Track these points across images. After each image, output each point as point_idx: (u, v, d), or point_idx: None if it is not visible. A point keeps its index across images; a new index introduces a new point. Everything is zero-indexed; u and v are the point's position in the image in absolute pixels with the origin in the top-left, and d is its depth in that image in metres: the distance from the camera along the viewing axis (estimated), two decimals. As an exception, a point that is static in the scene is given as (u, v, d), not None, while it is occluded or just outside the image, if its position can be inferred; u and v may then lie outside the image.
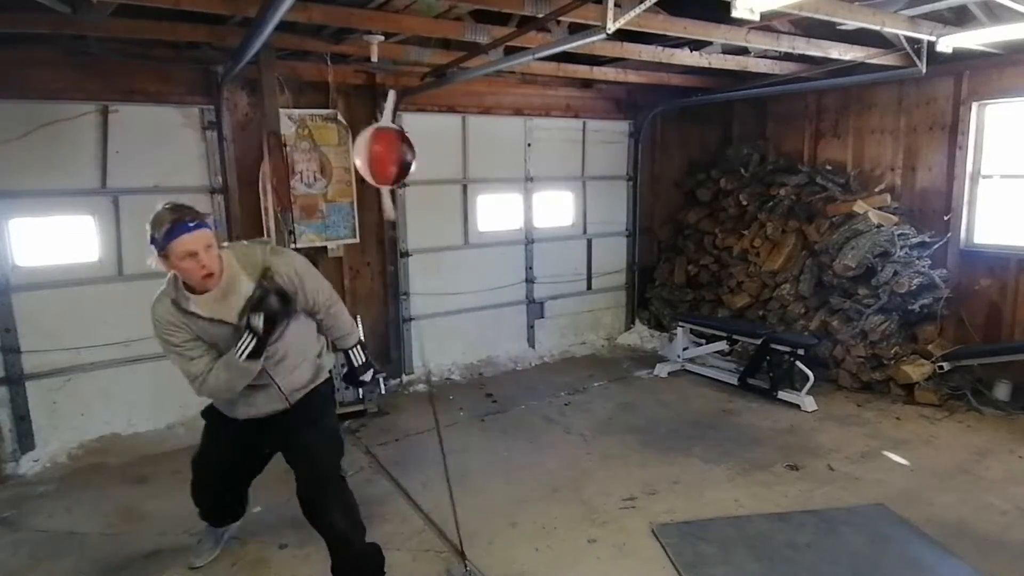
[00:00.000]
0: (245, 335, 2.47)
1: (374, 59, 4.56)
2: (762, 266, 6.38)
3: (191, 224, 2.35)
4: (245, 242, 2.74)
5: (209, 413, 3.00)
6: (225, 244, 2.63)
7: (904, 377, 5.28)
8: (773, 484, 4.01)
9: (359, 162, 4.23)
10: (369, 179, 4.28)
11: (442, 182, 6.17)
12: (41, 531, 3.65)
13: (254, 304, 2.46)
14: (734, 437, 4.74)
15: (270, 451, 3.05)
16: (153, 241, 2.37)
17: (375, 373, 3.24)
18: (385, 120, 4.29)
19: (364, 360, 3.10)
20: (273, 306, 2.46)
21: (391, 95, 4.33)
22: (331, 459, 2.89)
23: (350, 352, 3.05)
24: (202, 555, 3.31)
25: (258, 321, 2.43)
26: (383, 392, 5.54)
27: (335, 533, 2.81)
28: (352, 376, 3.13)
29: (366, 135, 4.22)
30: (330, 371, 3.03)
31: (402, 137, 4.30)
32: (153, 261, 2.42)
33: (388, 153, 4.19)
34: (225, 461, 3.03)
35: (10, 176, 4.36)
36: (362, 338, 3.19)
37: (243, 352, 2.46)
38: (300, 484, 2.80)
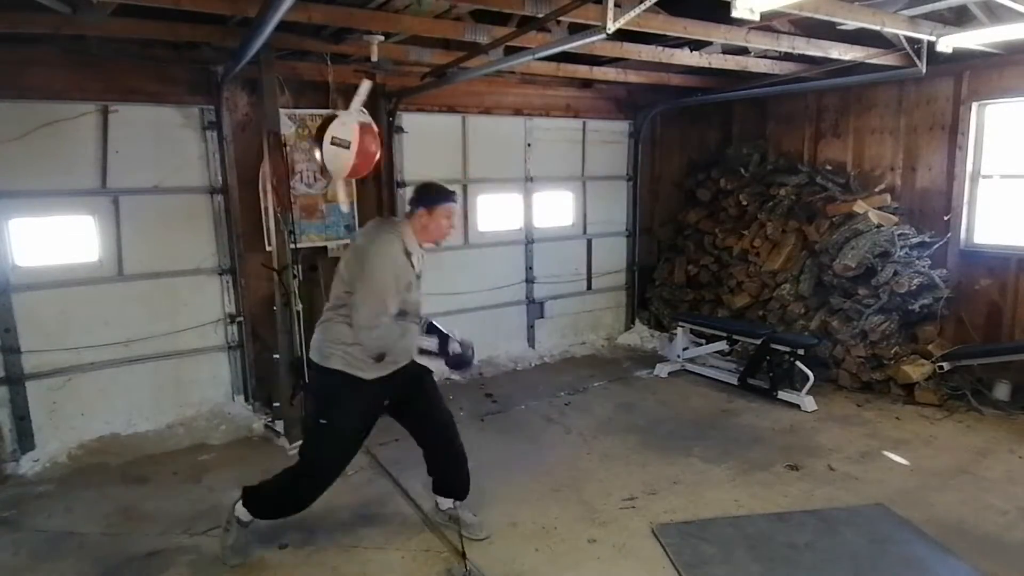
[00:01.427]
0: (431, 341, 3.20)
1: (374, 59, 4.56)
2: (762, 266, 6.38)
3: (454, 199, 3.20)
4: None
5: (341, 390, 3.06)
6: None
7: (904, 377, 5.28)
8: (773, 484, 4.01)
9: (346, 154, 4.01)
10: (342, 172, 4.14)
11: (442, 182, 6.14)
12: (41, 531, 3.65)
13: (456, 358, 3.23)
14: (734, 437, 4.74)
15: (387, 405, 3.30)
16: (426, 198, 3.09)
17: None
18: (354, 110, 4.10)
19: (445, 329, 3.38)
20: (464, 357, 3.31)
21: (365, 84, 4.16)
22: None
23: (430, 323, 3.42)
24: (238, 555, 3.28)
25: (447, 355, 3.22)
26: None
27: (459, 453, 3.43)
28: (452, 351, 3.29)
29: (352, 128, 4.02)
30: None
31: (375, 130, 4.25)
32: (413, 213, 3.10)
33: (376, 150, 4.16)
34: (362, 436, 3.22)
35: (10, 176, 4.36)
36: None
37: (423, 347, 3.16)
38: (432, 428, 3.37)
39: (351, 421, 3.11)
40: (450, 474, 3.47)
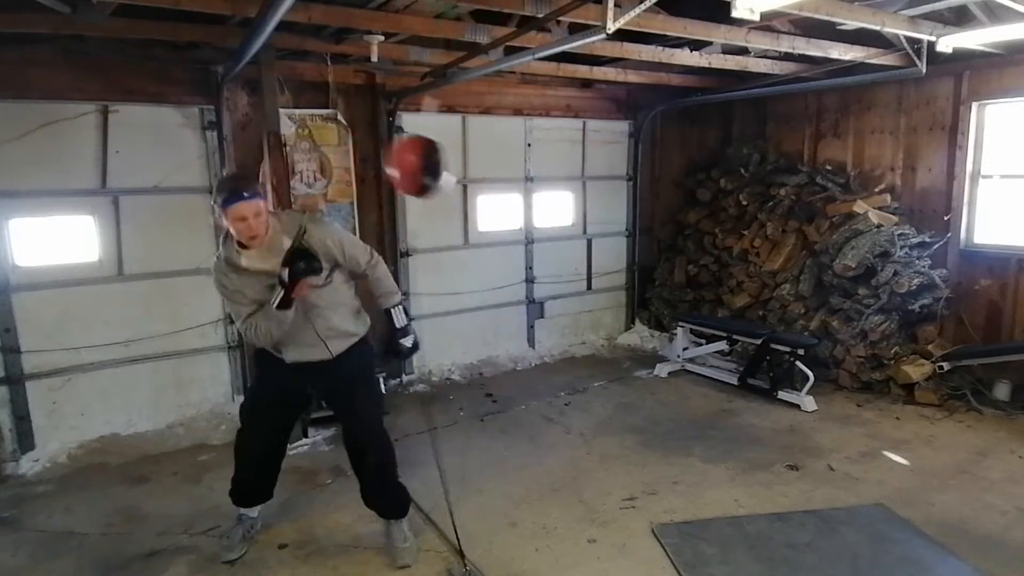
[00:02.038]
0: (277, 287, 2.84)
1: (374, 59, 4.56)
2: (762, 266, 6.38)
3: (246, 195, 2.79)
4: (292, 210, 3.25)
5: (261, 358, 3.25)
6: (272, 210, 3.09)
7: (904, 377, 5.28)
8: (773, 484, 4.01)
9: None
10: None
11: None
12: (41, 531, 3.65)
13: (283, 262, 2.82)
14: (734, 437, 4.74)
15: (313, 393, 3.39)
16: (215, 202, 2.83)
17: (416, 342, 3.29)
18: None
19: (406, 322, 3.24)
20: (299, 263, 2.82)
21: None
22: (373, 410, 3.31)
23: (392, 311, 3.22)
24: (234, 549, 3.35)
25: (284, 275, 2.81)
26: (383, 392, 5.53)
27: (368, 468, 3.25)
28: (392, 340, 3.21)
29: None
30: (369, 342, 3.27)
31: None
32: (219, 216, 2.86)
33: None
34: (275, 401, 3.26)
35: (10, 176, 4.36)
36: (404, 301, 3.34)
37: (275, 302, 2.85)
38: (347, 435, 3.29)
39: (258, 386, 3.40)
40: (365, 487, 3.32)
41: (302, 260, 2.82)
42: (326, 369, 3.13)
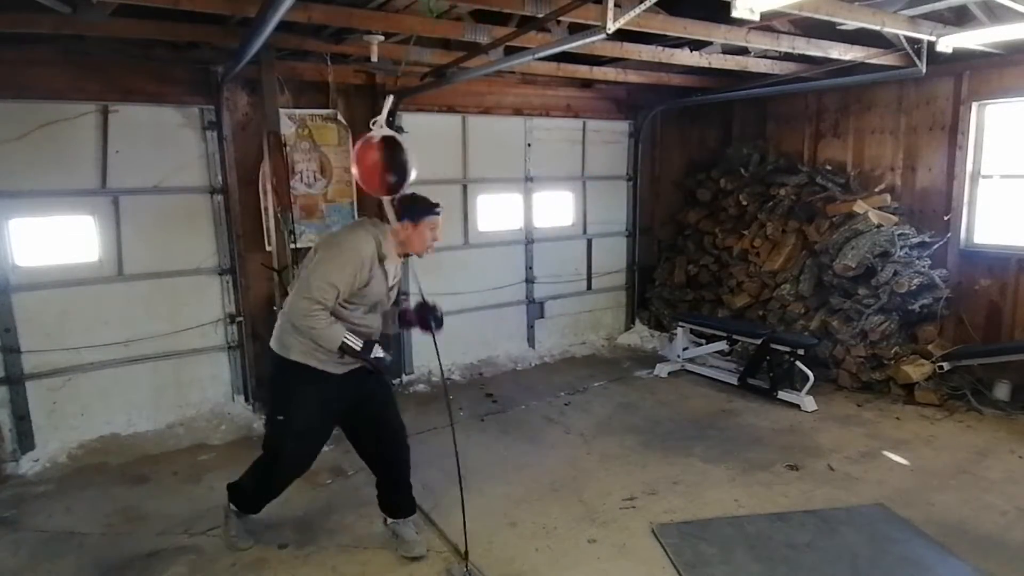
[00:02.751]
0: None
1: (374, 59, 4.56)
2: (762, 266, 6.38)
3: (439, 211, 3.13)
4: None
5: (301, 379, 3.04)
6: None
7: (904, 377, 5.28)
8: (773, 484, 4.01)
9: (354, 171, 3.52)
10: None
11: (442, 182, 6.16)
12: (41, 531, 3.65)
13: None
14: (734, 437, 4.74)
15: (355, 402, 3.24)
16: (413, 210, 3.05)
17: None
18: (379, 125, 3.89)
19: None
20: (437, 312, 3.31)
21: (389, 99, 3.96)
22: (394, 402, 3.44)
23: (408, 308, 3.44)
24: (246, 539, 3.43)
25: (426, 316, 3.28)
26: None
27: (401, 466, 3.35)
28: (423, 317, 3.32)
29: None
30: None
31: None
32: (398, 224, 3.06)
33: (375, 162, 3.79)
34: (325, 431, 3.26)
35: (10, 176, 4.36)
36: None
37: (355, 348, 2.94)
38: (388, 430, 3.32)
39: (308, 417, 3.08)
40: (393, 486, 3.37)
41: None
42: (360, 375, 3.13)
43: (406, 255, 3.18)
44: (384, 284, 3.07)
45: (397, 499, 3.39)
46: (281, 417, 3.08)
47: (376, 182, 3.04)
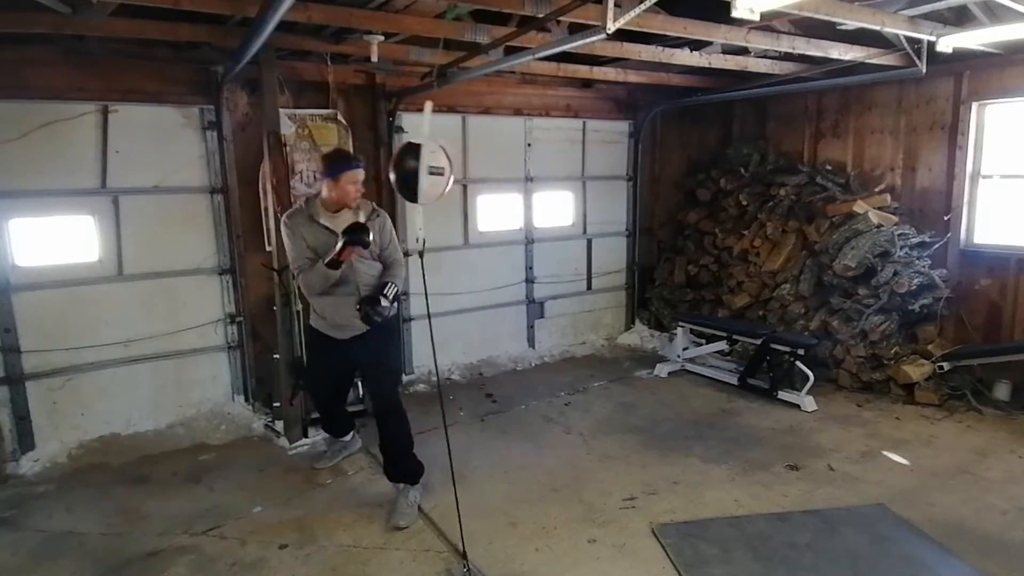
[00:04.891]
0: (332, 247, 3.37)
1: (374, 59, 4.56)
2: (762, 266, 6.38)
3: (357, 163, 3.54)
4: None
5: (310, 339, 4.05)
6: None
7: (904, 377, 5.28)
8: (773, 484, 4.01)
9: (442, 180, 3.58)
10: (436, 198, 3.63)
11: (442, 182, 6.16)
12: (41, 531, 3.65)
13: (344, 230, 3.35)
14: (734, 437, 4.74)
15: (354, 365, 3.99)
16: (332, 168, 3.47)
17: (372, 314, 3.52)
18: (428, 134, 3.69)
19: (392, 297, 3.59)
20: (357, 234, 3.34)
21: (428, 105, 3.73)
22: (391, 389, 3.91)
23: (387, 284, 3.61)
24: (322, 460, 4.37)
25: (340, 238, 3.33)
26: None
27: (386, 434, 3.79)
28: (371, 297, 3.55)
29: (439, 154, 3.65)
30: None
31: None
32: (322, 184, 3.53)
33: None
34: (329, 377, 3.99)
35: (10, 176, 4.35)
36: (399, 286, 3.69)
37: (327, 259, 3.37)
38: (372, 403, 4.09)
39: (313, 368, 4.16)
40: (383, 452, 3.84)
41: (360, 232, 3.34)
42: (361, 341, 3.65)
43: (344, 208, 3.51)
44: (327, 235, 3.46)
45: (384, 461, 3.84)
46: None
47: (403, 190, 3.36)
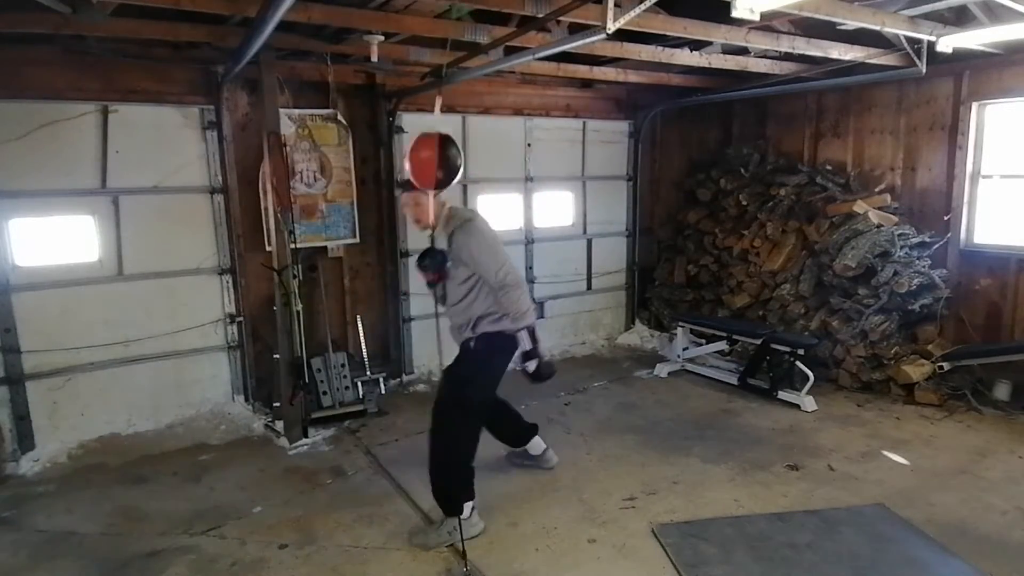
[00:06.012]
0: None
1: (374, 59, 4.56)
2: (762, 266, 6.38)
3: (402, 189, 3.71)
4: (460, 207, 3.87)
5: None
6: (452, 207, 3.69)
7: (904, 377, 5.28)
8: (773, 484, 4.01)
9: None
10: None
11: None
12: (41, 531, 3.65)
13: (422, 253, 3.52)
14: (734, 437, 4.74)
15: None
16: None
17: (541, 369, 3.49)
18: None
19: (529, 347, 3.45)
20: (423, 259, 3.52)
21: (438, 100, 3.94)
22: (449, 393, 3.66)
23: (516, 335, 3.45)
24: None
25: (418, 260, 3.53)
26: (383, 392, 5.55)
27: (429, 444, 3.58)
28: (528, 360, 3.50)
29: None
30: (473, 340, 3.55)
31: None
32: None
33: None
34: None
35: (10, 176, 4.36)
36: (532, 325, 3.45)
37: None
38: None
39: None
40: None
41: (421, 258, 3.52)
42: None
43: (427, 227, 3.56)
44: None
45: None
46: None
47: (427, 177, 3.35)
